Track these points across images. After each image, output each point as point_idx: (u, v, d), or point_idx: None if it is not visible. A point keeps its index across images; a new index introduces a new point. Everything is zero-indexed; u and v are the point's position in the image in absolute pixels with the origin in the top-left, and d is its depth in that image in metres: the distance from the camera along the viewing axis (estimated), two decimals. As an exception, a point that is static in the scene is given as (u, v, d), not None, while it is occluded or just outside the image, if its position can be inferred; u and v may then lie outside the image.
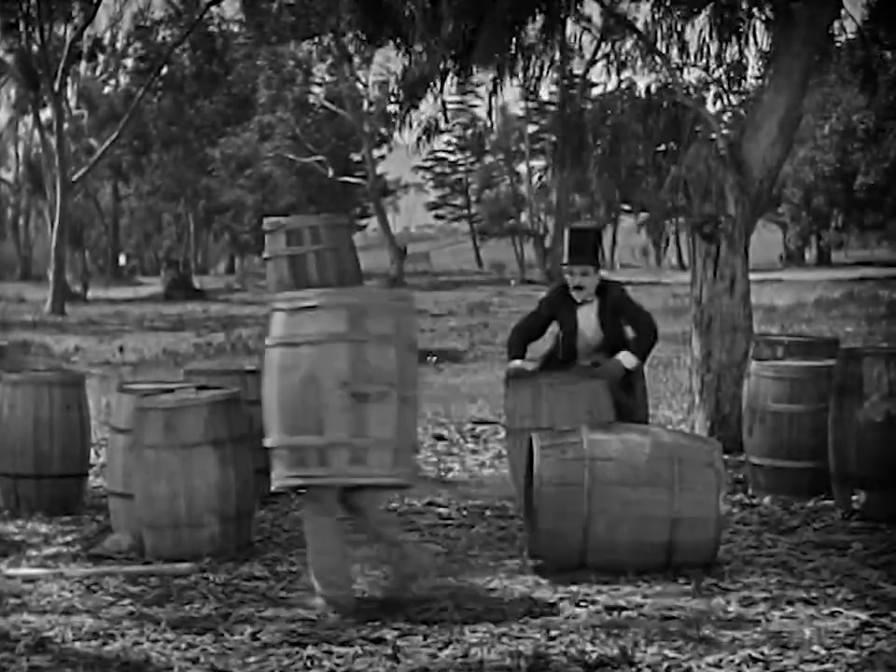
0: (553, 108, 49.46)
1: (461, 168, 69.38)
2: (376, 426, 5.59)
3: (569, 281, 7.97)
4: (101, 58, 46.42)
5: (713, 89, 12.95)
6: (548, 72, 12.21)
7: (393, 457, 5.66)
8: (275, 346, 5.76)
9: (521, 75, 12.10)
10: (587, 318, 7.99)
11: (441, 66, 11.45)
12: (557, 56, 12.55)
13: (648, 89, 12.09)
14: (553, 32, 11.78)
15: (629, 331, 8.07)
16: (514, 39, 11.43)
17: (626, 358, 7.83)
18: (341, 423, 5.57)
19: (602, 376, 7.73)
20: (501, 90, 12.01)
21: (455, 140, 66.07)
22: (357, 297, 5.88)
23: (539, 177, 50.61)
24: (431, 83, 11.77)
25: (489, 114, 50.32)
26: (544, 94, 53.88)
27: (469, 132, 62.61)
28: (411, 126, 12.73)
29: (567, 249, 8.02)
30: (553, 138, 46.43)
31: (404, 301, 5.93)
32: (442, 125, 13.21)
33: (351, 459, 5.59)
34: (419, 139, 12.96)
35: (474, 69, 11.63)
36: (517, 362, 8.01)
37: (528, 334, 8.19)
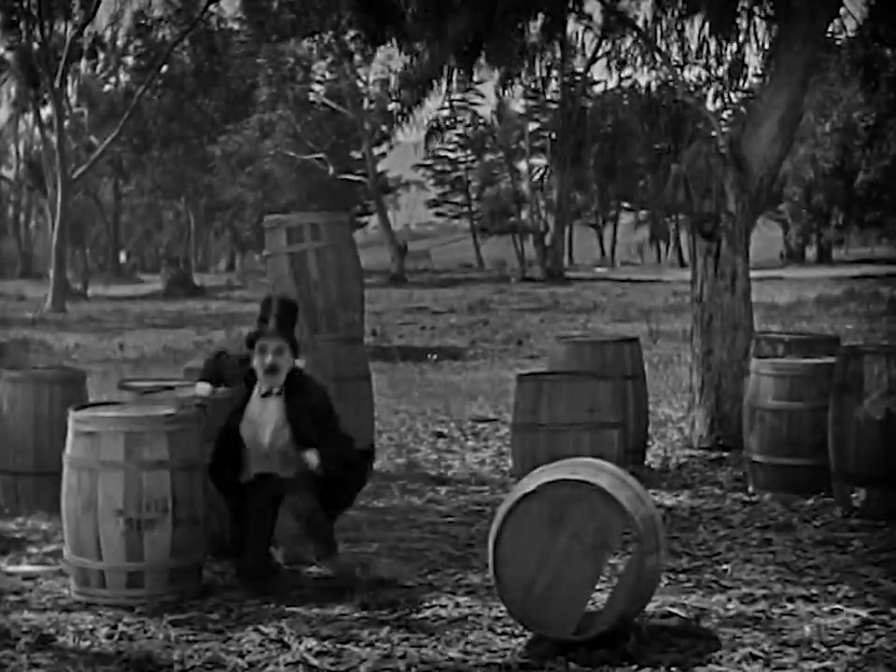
0: (553, 106, 49.41)
1: (461, 165, 69.29)
2: (150, 550, 5.91)
3: (259, 360, 6.27)
4: (101, 55, 46.38)
5: (713, 86, 12.95)
6: (553, 71, 12.24)
7: (169, 577, 5.97)
8: (66, 465, 6.08)
9: (527, 74, 12.08)
10: (271, 413, 6.29)
11: (446, 66, 11.45)
12: (559, 54, 12.57)
13: (648, 87, 12.10)
14: (555, 30, 11.78)
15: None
16: (520, 38, 11.41)
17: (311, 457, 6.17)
18: (117, 548, 5.89)
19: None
20: (508, 89, 12.01)
21: (455, 137, 65.99)
22: (135, 423, 6.01)
23: (540, 177, 50.46)
24: (435, 82, 11.76)
25: (497, 114, 50.23)
26: (546, 92, 53.80)
27: (471, 129, 62.52)
28: (407, 122, 12.72)
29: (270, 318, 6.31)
30: (553, 135, 46.36)
31: (181, 423, 6.08)
32: (447, 122, 13.24)
33: (128, 583, 5.92)
34: (428, 137, 13.00)
35: (476, 69, 11.62)
36: None
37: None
